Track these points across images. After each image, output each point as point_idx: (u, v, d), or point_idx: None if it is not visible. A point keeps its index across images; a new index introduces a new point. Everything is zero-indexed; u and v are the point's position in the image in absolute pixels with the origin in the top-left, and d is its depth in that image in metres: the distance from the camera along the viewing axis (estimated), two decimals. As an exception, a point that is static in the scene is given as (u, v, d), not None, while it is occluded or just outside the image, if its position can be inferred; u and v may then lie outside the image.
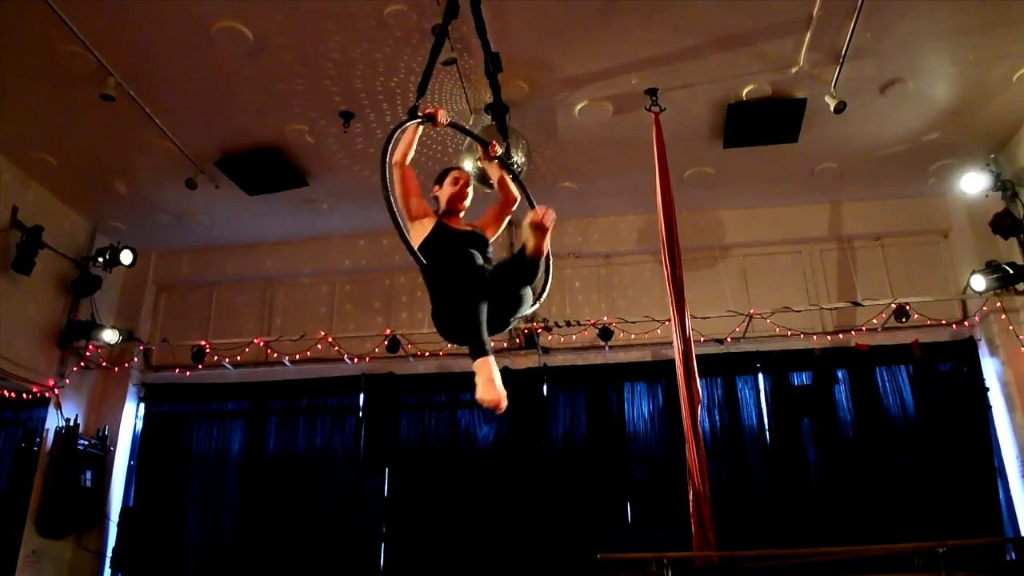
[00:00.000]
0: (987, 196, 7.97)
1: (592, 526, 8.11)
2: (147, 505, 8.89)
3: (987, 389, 8.17)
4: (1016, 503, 7.75)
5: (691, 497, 6.20)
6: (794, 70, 6.76)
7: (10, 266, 7.92)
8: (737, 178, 8.56)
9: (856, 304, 8.53)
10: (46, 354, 8.64)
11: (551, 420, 8.69)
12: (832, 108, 6.65)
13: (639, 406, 8.67)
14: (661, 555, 6.00)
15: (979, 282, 7.88)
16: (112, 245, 8.87)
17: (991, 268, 7.86)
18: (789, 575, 6.38)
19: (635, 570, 6.55)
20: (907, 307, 8.22)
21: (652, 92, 7.00)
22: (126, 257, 8.83)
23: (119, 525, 8.70)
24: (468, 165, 6.45)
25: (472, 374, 3.23)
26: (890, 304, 8.30)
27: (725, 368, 8.64)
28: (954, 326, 8.52)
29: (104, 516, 8.77)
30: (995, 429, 8.07)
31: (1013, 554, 6.96)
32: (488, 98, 6.71)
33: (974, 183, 7.90)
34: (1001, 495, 7.84)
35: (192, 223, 9.27)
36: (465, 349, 3.33)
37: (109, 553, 8.61)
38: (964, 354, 8.41)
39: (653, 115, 6.97)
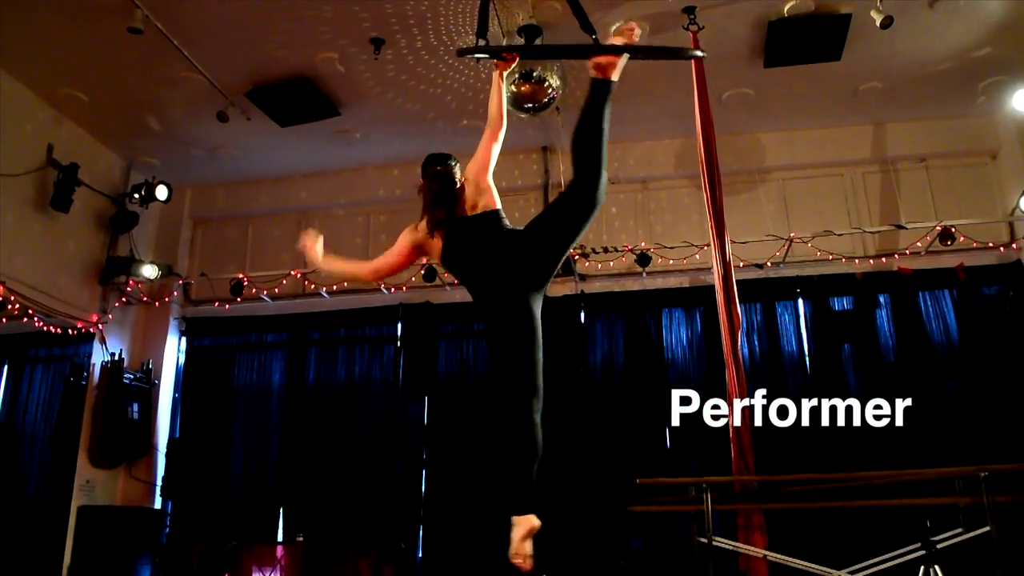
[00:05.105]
0: (1039, 114, 7.67)
1: (630, 453, 8.13)
2: (193, 436, 9.09)
3: (1034, 313, 8.01)
4: (1060, 427, 7.67)
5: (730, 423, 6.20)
6: (839, -17, 6.47)
7: (49, 204, 7.98)
8: (778, 99, 8.30)
9: (899, 227, 8.34)
10: (88, 290, 8.78)
11: (588, 347, 8.68)
12: (878, 23, 6.36)
13: (677, 332, 8.62)
14: (700, 480, 6.02)
15: (1029, 203, 7.66)
16: (147, 181, 8.86)
17: (1042, 188, 7.62)
18: (828, 499, 6.38)
19: (674, 495, 6.59)
20: (952, 230, 8.01)
21: (690, 10, 6.75)
22: (161, 192, 8.83)
23: (167, 456, 8.93)
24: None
25: None
26: (935, 227, 8.11)
27: (765, 293, 8.54)
28: (1001, 249, 8.28)
29: (152, 447, 9.00)
30: (1041, 353, 7.94)
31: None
32: (521, 20, 6.54)
33: (1026, 100, 7.59)
34: (1045, 419, 7.76)
35: (225, 157, 9.23)
36: None
37: (159, 482, 8.85)
38: (1011, 278, 8.19)
39: (691, 34, 6.75)
